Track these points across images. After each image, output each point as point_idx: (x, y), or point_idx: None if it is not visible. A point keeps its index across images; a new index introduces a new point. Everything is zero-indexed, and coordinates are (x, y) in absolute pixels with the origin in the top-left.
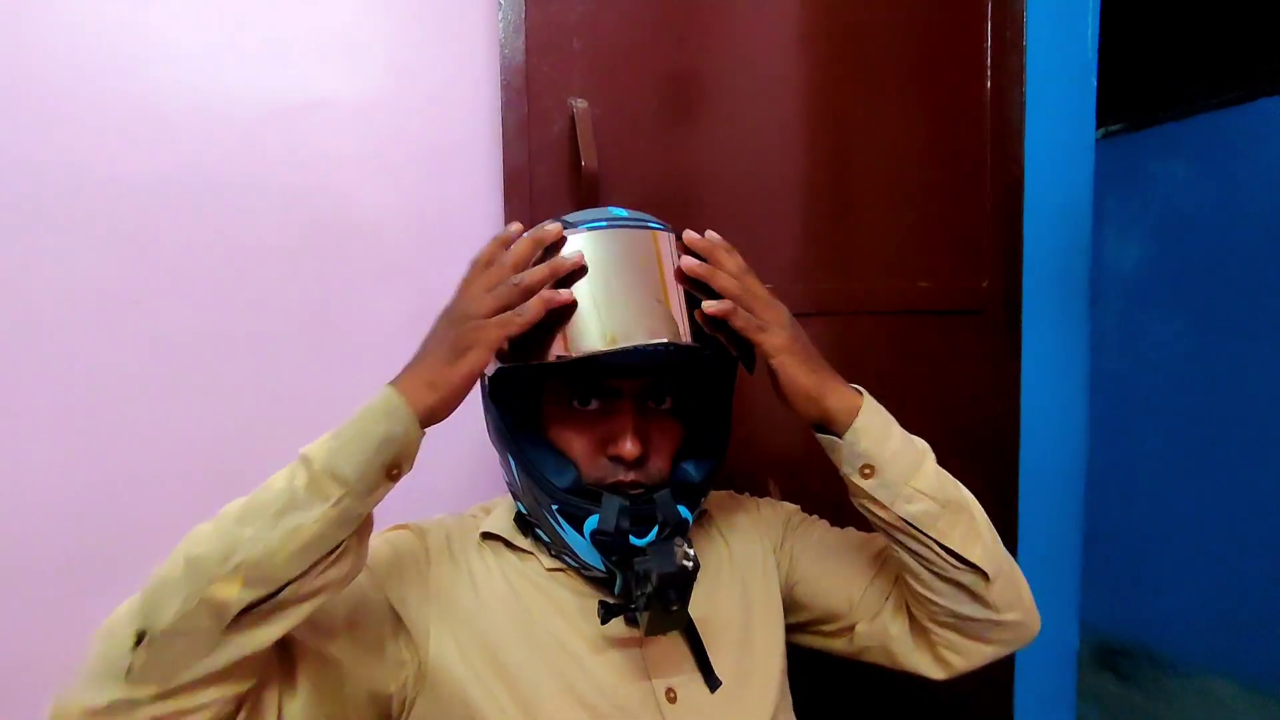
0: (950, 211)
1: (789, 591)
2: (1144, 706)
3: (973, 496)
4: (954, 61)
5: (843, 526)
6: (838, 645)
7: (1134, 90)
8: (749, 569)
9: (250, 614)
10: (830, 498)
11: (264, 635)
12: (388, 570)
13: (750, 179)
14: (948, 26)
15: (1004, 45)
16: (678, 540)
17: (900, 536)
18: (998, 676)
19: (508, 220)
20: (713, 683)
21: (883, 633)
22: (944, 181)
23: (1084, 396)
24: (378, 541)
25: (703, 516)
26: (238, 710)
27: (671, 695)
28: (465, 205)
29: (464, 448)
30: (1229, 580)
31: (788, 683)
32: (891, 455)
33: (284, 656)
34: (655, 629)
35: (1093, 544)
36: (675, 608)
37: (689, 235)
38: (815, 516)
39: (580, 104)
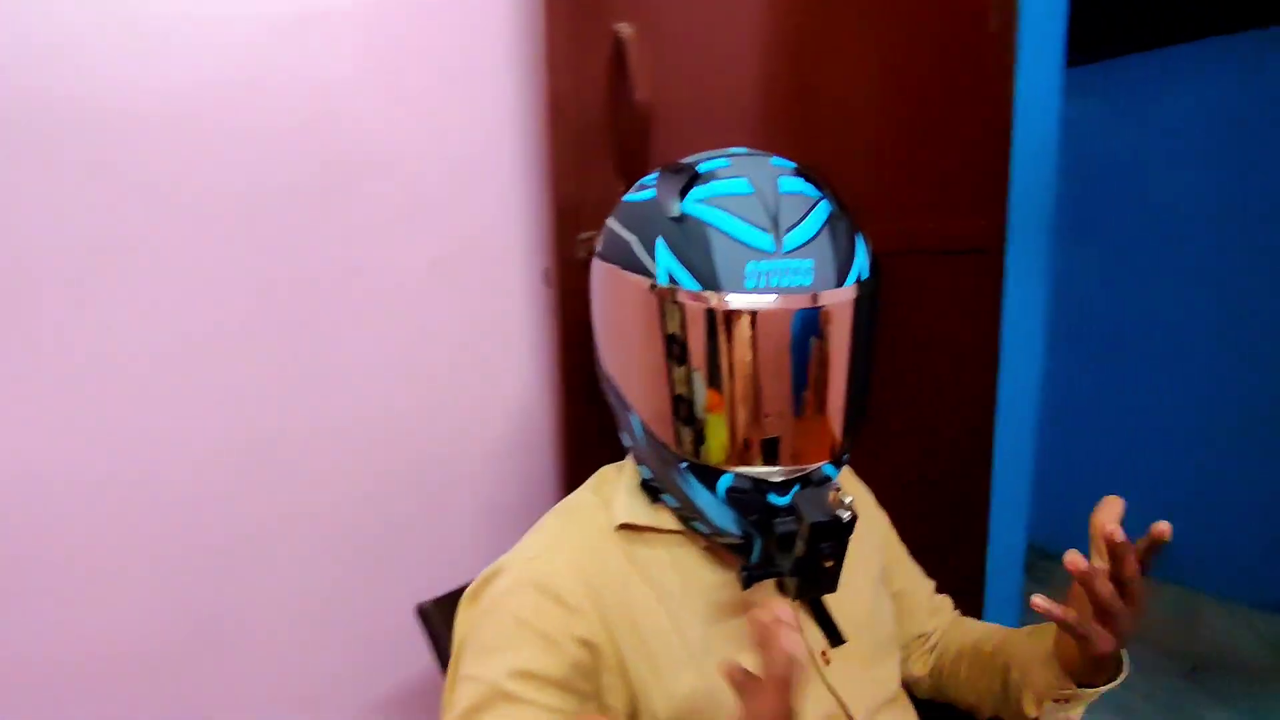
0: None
1: None
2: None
3: None
4: None
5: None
6: None
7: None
8: (871, 543)
9: None
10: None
11: None
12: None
13: (711, 107)
14: None
15: None
16: (833, 484)
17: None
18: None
19: (552, 155)
20: (835, 639)
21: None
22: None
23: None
24: (528, 636)
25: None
26: None
27: (826, 658)
28: (497, 135)
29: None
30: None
31: None
32: None
33: None
34: (807, 591)
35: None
36: (829, 564)
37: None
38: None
39: (626, 29)
